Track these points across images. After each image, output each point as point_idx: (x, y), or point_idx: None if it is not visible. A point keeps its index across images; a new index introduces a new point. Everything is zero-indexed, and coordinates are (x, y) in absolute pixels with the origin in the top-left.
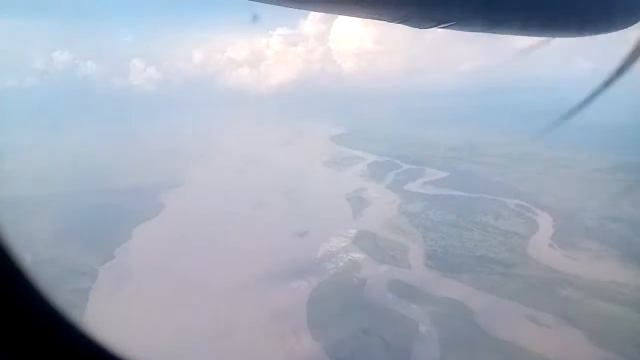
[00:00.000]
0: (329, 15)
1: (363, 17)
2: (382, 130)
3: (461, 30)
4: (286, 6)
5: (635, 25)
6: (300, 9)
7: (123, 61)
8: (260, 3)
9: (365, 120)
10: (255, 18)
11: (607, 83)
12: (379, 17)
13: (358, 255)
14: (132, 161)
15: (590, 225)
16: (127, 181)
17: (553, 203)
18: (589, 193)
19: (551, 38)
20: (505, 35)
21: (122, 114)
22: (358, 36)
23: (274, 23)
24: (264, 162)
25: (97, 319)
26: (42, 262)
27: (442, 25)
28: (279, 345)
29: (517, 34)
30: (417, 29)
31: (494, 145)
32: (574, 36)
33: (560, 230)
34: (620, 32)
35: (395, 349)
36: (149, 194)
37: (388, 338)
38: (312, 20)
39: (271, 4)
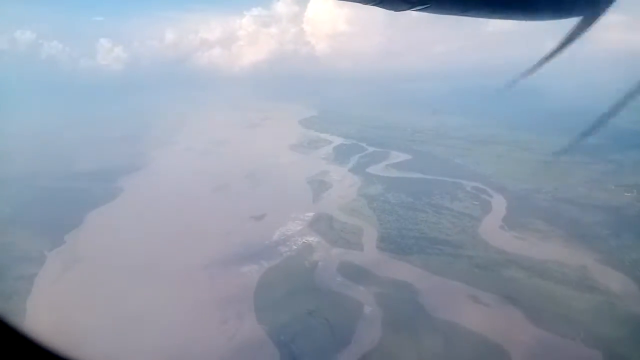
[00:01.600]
0: None
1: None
2: (352, 113)
3: (435, 13)
4: None
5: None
6: None
7: (91, 41)
8: None
9: (336, 103)
10: None
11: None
12: (355, 0)
13: (312, 239)
14: (93, 144)
15: (542, 207)
16: (86, 164)
17: (509, 185)
18: (545, 175)
19: (524, 22)
20: (478, 19)
21: (87, 95)
22: (332, 18)
23: (248, 3)
24: (229, 144)
25: (38, 307)
26: None
27: (416, 8)
28: (221, 329)
29: (490, 17)
30: (391, 12)
31: (458, 127)
32: (546, 19)
33: (513, 212)
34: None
35: (338, 330)
36: (108, 177)
37: (332, 320)
38: (285, 1)
39: None
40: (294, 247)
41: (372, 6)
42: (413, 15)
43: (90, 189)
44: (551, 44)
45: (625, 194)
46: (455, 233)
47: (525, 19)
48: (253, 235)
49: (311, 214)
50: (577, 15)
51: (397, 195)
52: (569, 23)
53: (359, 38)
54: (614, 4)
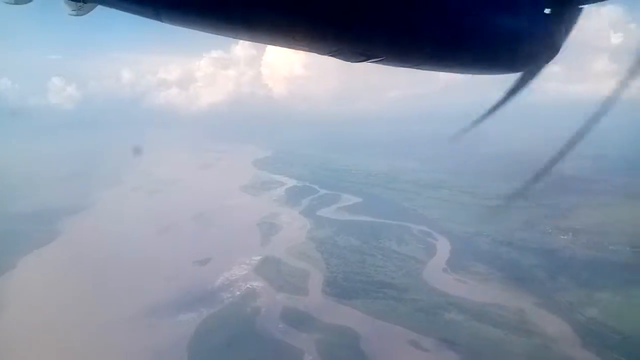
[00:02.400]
0: None
1: (295, 49)
2: (306, 155)
3: (389, 65)
4: (221, 35)
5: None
6: (234, 38)
7: (43, 79)
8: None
9: (291, 145)
10: None
11: (592, 121)
12: (310, 50)
13: (257, 284)
14: (36, 184)
15: (483, 250)
16: (26, 205)
17: (453, 228)
18: (487, 218)
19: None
20: None
21: (35, 133)
22: (289, 61)
23: (207, 46)
24: (179, 185)
25: None
26: None
27: (370, 61)
28: None
29: (441, 71)
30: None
31: (408, 172)
32: (488, 74)
33: (456, 254)
34: None
35: None
36: (47, 219)
37: None
38: (243, 45)
39: (206, 32)
40: (237, 292)
41: (328, 57)
42: (368, 64)
43: (26, 232)
44: (496, 95)
45: (561, 236)
46: (400, 276)
47: (472, 73)
48: (195, 281)
49: (258, 257)
50: (520, 70)
51: (346, 238)
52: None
53: (315, 82)
54: (554, 59)
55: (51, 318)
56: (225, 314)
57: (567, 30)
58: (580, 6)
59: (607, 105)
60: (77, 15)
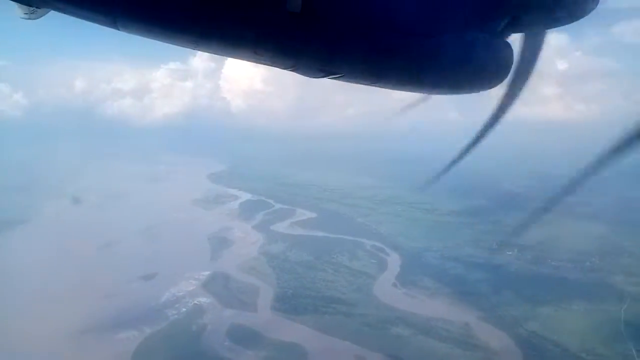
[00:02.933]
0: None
1: (256, 63)
2: (262, 169)
3: (347, 82)
4: (180, 45)
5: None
6: (193, 49)
7: None
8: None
9: (248, 159)
10: None
11: (481, 136)
12: (271, 64)
13: (204, 300)
14: None
15: (432, 265)
16: None
17: (404, 244)
18: (437, 234)
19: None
20: None
21: None
22: (248, 75)
23: (166, 57)
24: (126, 198)
25: None
26: None
27: (330, 77)
28: None
29: (397, 90)
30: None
31: (364, 187)
32: (448, 94)
33: (406, 269)
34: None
35: None
36: None
37: None
38: (202, 56)
39: (166, 42)
40: (183, 309)
41: (289, 71)
42: (327, 80)
43: None
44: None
45: (507, 252)
46: (350, 291)
47: (428, 93)
48: (138, 297)
49: (207, 272)
50: (473, 91)
51: (298, 253)
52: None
53: (274, 97)
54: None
55: None
56: (169, 332)
57: (513, 54)
58: (528, 33)
59: (491, 123)
60: (29, 19)
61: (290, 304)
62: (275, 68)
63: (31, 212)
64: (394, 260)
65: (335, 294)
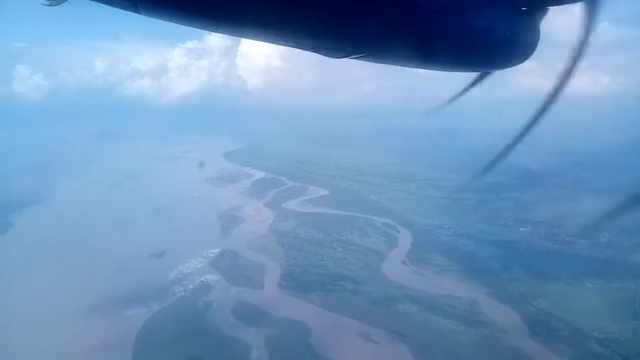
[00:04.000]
0: None
1: (278, 44)
2: (277, 148)
3: (370, 61)
4: (201, 28)
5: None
6: (214, 32)
7: (7, 68)
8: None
9: (264, 137)
10: None
11: (541, 113)
12: (293, 46)
13: (212, 277)
14: None
15: (443, 242)
16: None
17: (417, 221)
18: (451, 212)
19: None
20: None
21: None
22: (266, 53)
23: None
24: (143, 177)
25: None
26: None
27: (352, 57)
28: None
29: (420, 68)
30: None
31: (378, 164)
32: (473, 72)
33: (416, 247)
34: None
35: None
36: (0, 211)
37: None
38: (218, 35)
39: (187, 25)
40: (190, 286)
41: (310, 52)
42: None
43: None
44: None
45: (520, 228)
46: (358, 269)
47: (450, 71)
48: (148, 275)
49: (216, 250)
50: (497, 68)
51: (308, 231)
52: None
53: (292, 74)
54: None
55: None
56: (176, 309)
57: (539, 29)
58: (550, 7)
59: (550, 100)
60: (50, 5)
61: (297, 281)
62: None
63: (46, 193)
64: (404, 238)
65: (343, 271)
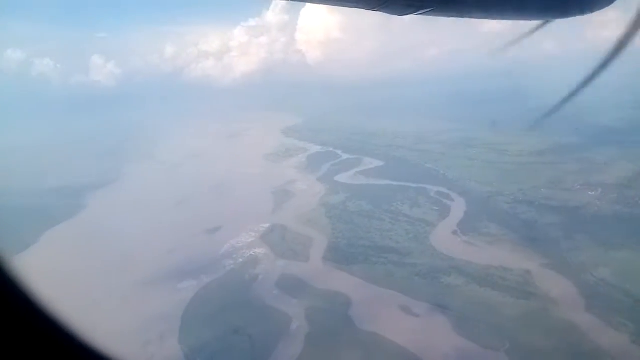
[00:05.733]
0: (293, 5)
1: (339, 6)
2: (336, 121)
3: (437, 16)
4: None
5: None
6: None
7: (88, 58)
8: None
9: (323, 111)
10: None
11: (604, 64)
12: (357, 6)
13: (260, 251)
14: (71, 160)
15: (501, 210)
16: (58, 180)
17: (474, 188)
18: (513, 177)
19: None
20: (475, 21)
21: (74, 111)
22: (325, 25)
23: (245, 14)
24: (205, 156)
25: None
26: None
27: (419, 12)
28: (141, 352)
29: (492, 19)
30: (384, 17)
31: (439, 132)
32: (540, 19)
33: (470, 216)
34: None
35: (259, 347)
36: (75, 193)
37: (256, 337)
38: (274, 10)
39: None
40: (240, 260)
41: (375, 11)
42: (406, 20)
43: (53, 206)
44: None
45: (589, 192)
46: (406, 240)
47: (522, 19)
48: (202, 249)
49: (267, 225)
50: (573, 15)
51: (357, 203)
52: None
53: (352, 45)
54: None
55: (63, 289)
56: (224, 281)
57: None
58: None
59: (615, 52)
60: None
61: (342, 254)
62: (353, 11)
63: (116, 175)
64: (458, 207)
65: (390, 243)
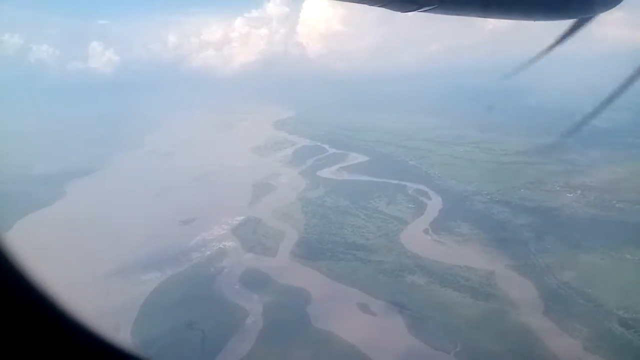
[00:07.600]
0: None
1: (346, 1)
2: (329, 115)
3: (440, 14)
4: None
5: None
6: None
7: (86, 44)
8: None
9: (317, 104)
10: None
11: (628, 83)
12: (362, 2)
13: (230, 244)
14: (61, 146)
15: (475, 210)
16: (43, 167)
17: (453, 187)
18: (495, 176)
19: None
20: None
21: (69, 98)
22: (327, 18)
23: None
24: (194, 146)
25: None
26: None
27: (422, 10)
28: None
29: (493, 17)
30: (387, 11)
31: (429, 129)
32: (542, 20)
33: (444, 214)
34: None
35: (210, 342)
36: (57, 181)
37: (209, 331)
38: (275, 1)
39: None
40: (207, 252)
41: (379, 7)
42: (408, 15)
43: (32, 193)
44: (549, 41)
45: (568, 194)
46: (376, 237)
47: (525, 19)
48: (173, 240)
49: (241, 218)
50: (576, 16)
51: (335, 198)
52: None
53: (353, 38)
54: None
55: None
56: (188, 274)
57: None
58: None
59: None
60: None
61: (311, 249)
62: (357, 7)
63: (101, 163)
64: (434, 205)
65: (359, 240)
